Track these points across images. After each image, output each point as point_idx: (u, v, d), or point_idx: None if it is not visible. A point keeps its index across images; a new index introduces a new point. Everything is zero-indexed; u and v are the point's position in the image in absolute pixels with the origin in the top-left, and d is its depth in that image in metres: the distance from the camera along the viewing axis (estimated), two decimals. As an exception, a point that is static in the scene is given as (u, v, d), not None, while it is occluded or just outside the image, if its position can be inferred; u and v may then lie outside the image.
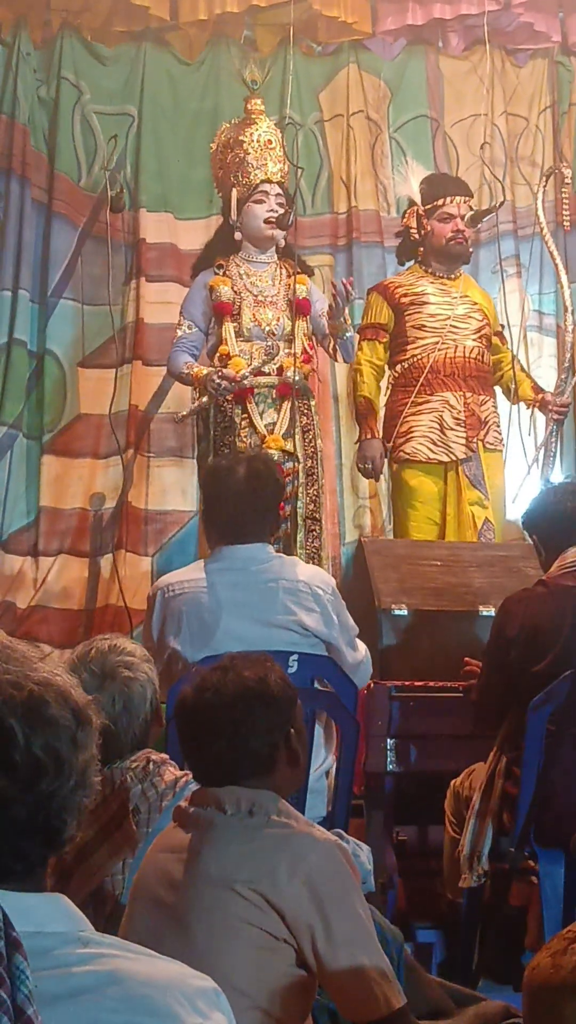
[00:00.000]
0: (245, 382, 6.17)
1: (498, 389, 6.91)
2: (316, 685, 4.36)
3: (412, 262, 6.96)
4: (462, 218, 6.75)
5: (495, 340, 6.86)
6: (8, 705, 1.63)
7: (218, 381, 6.13)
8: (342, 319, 6.24)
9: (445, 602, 5.59)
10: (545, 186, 7.26)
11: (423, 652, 5.44)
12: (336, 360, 6.67)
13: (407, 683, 5.18)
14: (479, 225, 6.89)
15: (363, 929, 2.72)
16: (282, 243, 6.49)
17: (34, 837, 1.65)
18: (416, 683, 5.19)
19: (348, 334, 6.34)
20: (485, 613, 5.38)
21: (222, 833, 2.76)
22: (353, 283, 6.41)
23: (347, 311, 6.27)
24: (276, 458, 6.04)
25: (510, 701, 4.50)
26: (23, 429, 7.88)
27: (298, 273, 6.41)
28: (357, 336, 6.71)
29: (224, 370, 6.17)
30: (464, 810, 4.59)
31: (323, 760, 4.39)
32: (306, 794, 4.02)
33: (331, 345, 6.39)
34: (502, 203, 7.16)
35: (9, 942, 1.51)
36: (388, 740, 5.06)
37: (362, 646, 4.65)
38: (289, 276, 6.41)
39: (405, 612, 5.49)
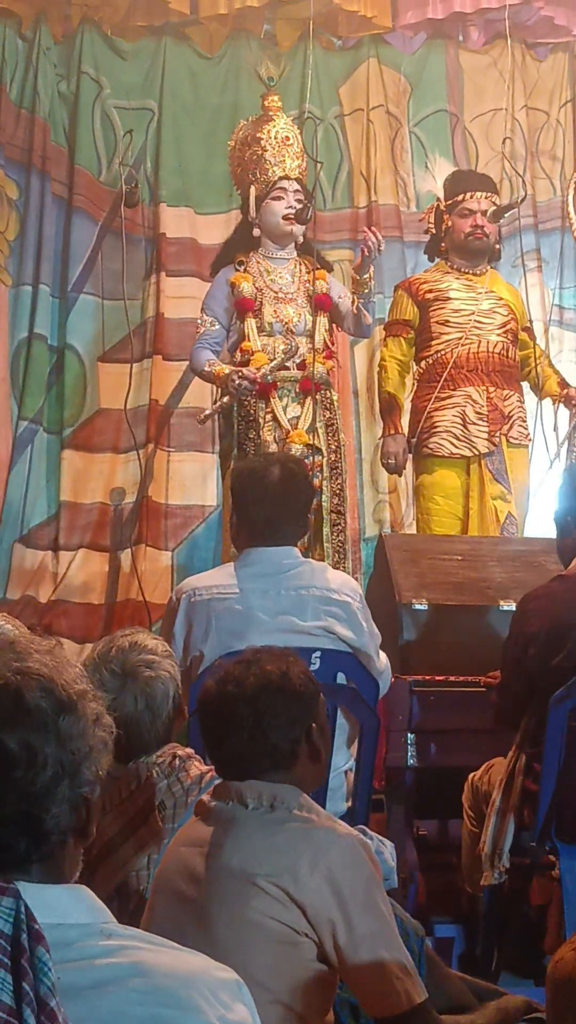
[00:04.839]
0: (268, 377, 6.16)
1: (526, 385, 6.90)
2: (338, 681, 4.35)
3: (439, 259, 6.95)
4: (483, 213, 6.74)
5: (523, 335, 6.84)
6: None
7: (238, 381, 6.12)
8: (367, 276, 6.24)
9: (465, 597, 5.59)
10: None
11: (443, 647, 5.43)
12: (358, 331, 6.61)
13: (427, 678, 5.18)
14: (500, 220, 6.87)
15: (384, 924, 2.71)
16: (301, 239, 6.48)
17: (12, 827, 1.65)
18: (436, 678, 5.19)
19: (372, 298, 6.32)
20: (505, 608, 5.37)
21: (244, 827, 2.76)
22: (378, 233, 6.36)
23: (372, 270, 6.26)
24: (300, 453, 6.04)
25: (530, 698, 4.49)
26: (43, 424, 7.90)
27: (317, 268, 6.40)
28: (382, 331, 6.71)
29: (244, 369, 6.16)
30: (483, 805, 4.58)
31: (345, 761, 4.37)
32: (326, 791, 4.01)
33: (353, 305, 6.36)
34: (523, 198, 7.16)
35: (31, 935, 1.51)
36: (408, 735, 5.05)
37: (383, 655, 4.63)
38: (308, 272, 6.40)
39: (425, 607, 5.48)
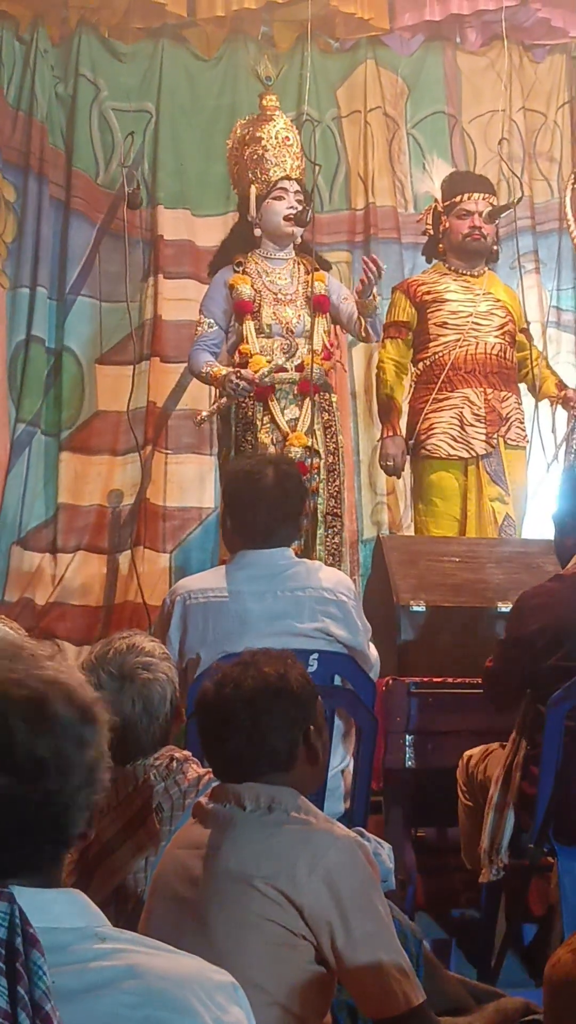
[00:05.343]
0: (265, 380, 6.15)
1: (524, 386, 6.90)
2: (336, 682, 4.34)
3: (437, 260, 6.95)
4: (481, 215, 6.74)
5: (520, 337, 6.84)
6: (11, 704, 1.64)
7: (236, 381, 6.11)
8: (371, 297, 6.21)
9: (463, 598, 5.59)
10: (574, 184, 7.27)
11: (441, 648, 5.43)
12: (368, 340, 6.61)
13: (425, 679, 5.17)
14: (497, 221, 6.87)
15: (382, 925, 2.71)
16: (299, 240, 6.48)
17: (40, 835, 1.65)
18: (435, 679, 5.18)
19: (379, 312, 6.32)
20: (503, 609, 5.36)
21: (241, 829, 2.76)
22: (377, 261, 6.33)
23: (376, 289, 6.24)
24: (299, 455, 6.03)
25: (522, 692, 4.48)
26: (41, 426, 7.90)
27: (316, 270, 6.40)
28: (381, 334, 6.72)
29: (241, 371, 6.15)
30: (479, 795, 4.58)
31: (341, 759, 4.37)
32: (324, 792, 4.01)
33: (361, 327, 6.35)
34: (520, 199, 7.16)
35: (26, 939, 1.51)
36: (407, 736, 5.05)
37: (372, 647, 4.64)
38: (307, 273, 6.40)
39: (423, 608, 5.48)
